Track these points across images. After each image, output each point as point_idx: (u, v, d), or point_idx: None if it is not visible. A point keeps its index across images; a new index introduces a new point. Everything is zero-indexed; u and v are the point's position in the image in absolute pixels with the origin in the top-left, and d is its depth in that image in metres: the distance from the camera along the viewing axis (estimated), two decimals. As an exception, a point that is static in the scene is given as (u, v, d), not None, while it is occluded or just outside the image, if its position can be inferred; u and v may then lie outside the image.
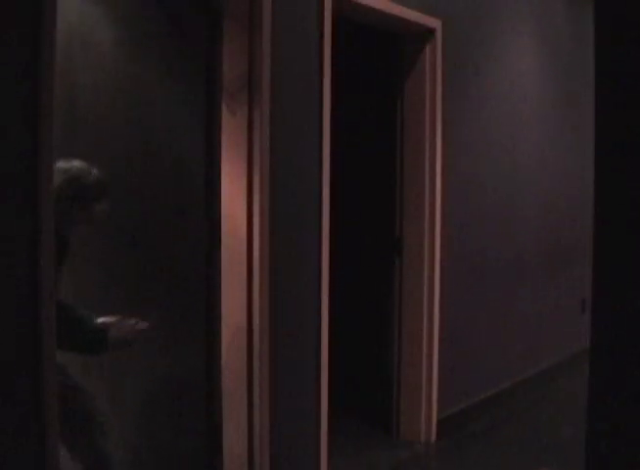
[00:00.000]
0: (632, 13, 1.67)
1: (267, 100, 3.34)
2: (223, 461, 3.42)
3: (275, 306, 3.45)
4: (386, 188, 4.66)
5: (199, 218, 3.32)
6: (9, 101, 2.43)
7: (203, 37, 3.29)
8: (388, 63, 4.63)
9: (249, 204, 3.33)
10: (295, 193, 3.57)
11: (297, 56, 3.55)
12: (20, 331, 2.49)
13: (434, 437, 4.56)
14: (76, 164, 2.81)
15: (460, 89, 4.72)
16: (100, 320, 2.81)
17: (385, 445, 4.50)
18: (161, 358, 3.20)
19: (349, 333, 4.90)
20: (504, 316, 5.30)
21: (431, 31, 4.42)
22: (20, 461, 2.49)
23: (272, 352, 3.43)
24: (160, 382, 3.19)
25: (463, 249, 4.81)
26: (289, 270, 3.54)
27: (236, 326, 3.35)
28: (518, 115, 5.37)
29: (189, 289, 3.30)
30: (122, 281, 3.05)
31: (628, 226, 1.70)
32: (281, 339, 3.50)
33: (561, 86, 5.97)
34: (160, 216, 3.17)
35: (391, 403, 4.62)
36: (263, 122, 3.32)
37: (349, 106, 4.76)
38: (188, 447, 3.32)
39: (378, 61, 4.72)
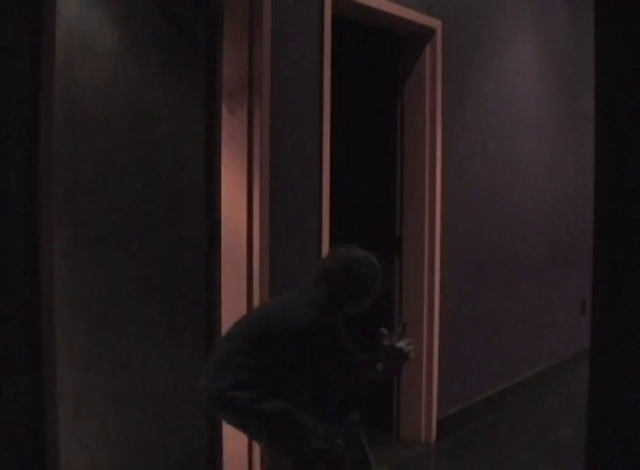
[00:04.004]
0: (632, 13, 1.68)
1: (267, 100, 3.34)
2: (223, 461, 3.42)
3: (275, 306, 3.45)
4: (386, 188, 4.66)
5: (199, 219, 3.32)
6: (9, 101, 2.44)
7: (203, 37, 3.30)
8: (389, 63, 4.63)
9: (249, 204, 3.33)
10: (295, 193, 3.57)
11: (297, 56, 3.55)
12: (21, 330, 2.49)
13: (434, 437, 4.56)
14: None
15: (460, 89, 4.72)
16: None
17: (385, 445, 4.50)
18: (161, 358, 3.20)
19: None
20: (504, 316, 5.30)
21: (431, 31, 4.43)
22: (20, 461, 2.49)
23: (272, 352, 3.43)
24: (159, 382, 3.19)
25: (463, 248, 4.81)
26: (289, 270, 3.54)
27: (236, 326, 3.35)
28: (518, 114, 5.37)
29: (189, 289, 3.30)
30: (122, 281, 3.05)
31: (628, 226, 1.70)
32: (281, 339, 3.50)
33: (561, 85, 5.97)
34: (160, 216, 3.17)
35: (391, 403, 4.62)
36: (263, 122, 3.32)
37: (349, 106, 4.76)
38: (188, 447, 3.32)
39: (378, 61, 4.72)
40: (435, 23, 4.42)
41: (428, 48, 4.45)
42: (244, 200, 3.32)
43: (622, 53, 1.69)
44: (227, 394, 2.78)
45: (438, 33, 4.45)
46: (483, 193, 5.00)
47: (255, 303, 3.33)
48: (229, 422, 2.98)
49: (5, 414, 2.43)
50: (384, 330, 3.04)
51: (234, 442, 3.39)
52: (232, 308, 3.36)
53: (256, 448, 3.38)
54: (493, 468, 4.21)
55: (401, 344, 2.98)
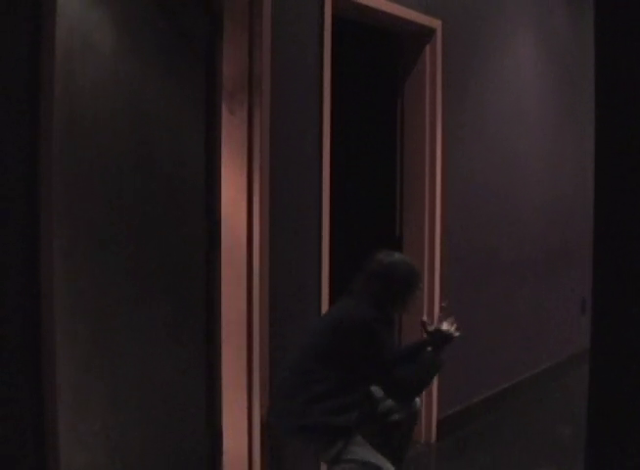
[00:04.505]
0: (632, 13, 1.67)
1: (267, 100, 3.34)
2: (223, 461, 3.42)
3: (275, 306, 3.45)
4: (386, 188, 4.66)
5: (199, 219, 3.32)
6: (9, 101, 2.44)
7: (203, 37, 3.30)
8: (388, 63, 4.63)
9: (249, 204, 3.33)
10: (295, 193, 3.57)
11: (297, 56, 3.55)
12: (21, 330, 2.49)
13: (434, 437, 4.56)
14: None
15: (460, 89, 4.72)
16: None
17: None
18: (161, 358, 3.20)
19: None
20: (504, 316, 5.30)
21: (431, 31, 4.43)
22: (20, 461, 2.49)
23: (272, 352, 3.43)
24: (159, 382, 3.19)
25: (463, 249, 4.81)
26: (289, 270, 3.54)
27: (236, 326, 3.35)
28: (518, 114, 5.37)
29: (189, 289, 3.30)
30: (122, 281, 3.05)
31: (628, 226, 1.70)
32: (281, 339, 3.50)
33: (561, 84, 5.97)
34: (160, 216, 3.17)
35: (391, 403, 4.61)
36: (263, 122, 3.32)
37: (349, 106, 4.76)
38: (188, 447, 3.32)
39: (378, 61, 4.72)
40: (435, 23, 4.42)
41: (428, 48, 4.45)
42: (244, 200, 3.32)
43: (622, 52, 1.69)
44: (302, 408, 3.07)
45: (438, 33, 4.45)
46: (484, 193, 5.00)
47: (255, 302, 3.33)
48: (300, 438, 3.19)
49: (5, 414, 2.43)
50: (424, 318, 3.41)
51: (234, 442, 3.39)
52: (232, 308, 3.36)
53: (256, 449, 3.38)
54: (493, 468, 4.21)
55: (444, 326, 3.31)
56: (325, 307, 3.74)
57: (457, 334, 3.35)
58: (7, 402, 2.44)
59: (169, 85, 3.18)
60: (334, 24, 3.76)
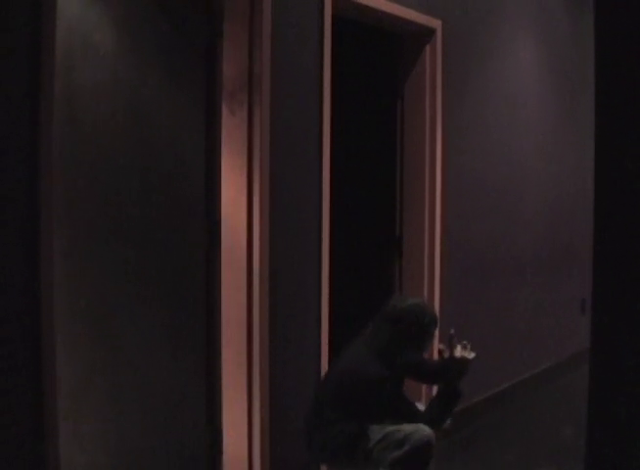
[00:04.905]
0: (632, 13, 1.68)
1: (267, 99, 3.34)
2: (223, 461, 3.42)
3: (275, 306, 3.45)
4: (386, 188, 4.66)
5: (199, 218, 3.32)
6: (9, 101, 2.44)
7: (203, 37, 3.30)
8: (389, 63, 4.63)
9: (249, 204, 3.33)
10: (295, 193, 3.57)
11: (298, 56, 3.55)
12: (20, 329, 2.49)
13: (434, 437, 4.55)
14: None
15: (460, 89, 4.72)
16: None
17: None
18: (161, 358, 3.20)
19: (350, 333, 4.89)
20: (504, 316, 5.30)
21: (431, 31, 4.43)
22: (20, 461, 2.49)
23: (272, 352, 3.43)
24: (159, 382, 3.19)
25: (463, 249, 4.81)
26: (289, 270, 3.54)
27: (236, 326, 3.35)
28: (518, 114, 5.37)
29: (189, 289, 3.30)
30: (122, 281, 3.04)
31: (628, 226, 1.70)
32: (281, 339, 3.50)
33: (561, 84, 5.97)
34: (160, 216, 3.17)
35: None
36: (263, 122, 3.32)
37: (349, 106, 4.76)
38: (188, 447, 3.32)
39: (378, 61, 4.72)
40: (435, 23, 4.42)
41: (428, 48, 4.45)
42: (244, 200, 3.32)
43: (622, 52, 1.69)
44: (322, 443, 3.22)
45: (438, 33, 4.45)
46: (483, 193, 5.00)
47: (255, 302, 3.33)
48: (334, 464, 3.39)
49: (5, 414, 2.43)
50: (441, 346, 3.44)
51: (234, 442, 3.39)
52: (232, 308, 3.36)
53: (256, 449, 3.38)
54: (493, 468, 4.21)
55: (458, 352, 3.37)
56: (325, 308, 3.74)
57: (472, 356, 3.38)
58: (7, 402, 2.44)
59: (169, 85, 3.18)
60: (334, 24, 3.76)
